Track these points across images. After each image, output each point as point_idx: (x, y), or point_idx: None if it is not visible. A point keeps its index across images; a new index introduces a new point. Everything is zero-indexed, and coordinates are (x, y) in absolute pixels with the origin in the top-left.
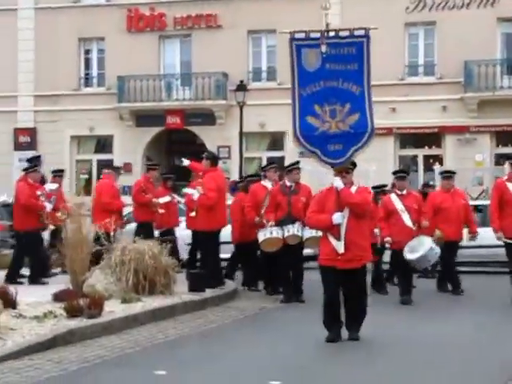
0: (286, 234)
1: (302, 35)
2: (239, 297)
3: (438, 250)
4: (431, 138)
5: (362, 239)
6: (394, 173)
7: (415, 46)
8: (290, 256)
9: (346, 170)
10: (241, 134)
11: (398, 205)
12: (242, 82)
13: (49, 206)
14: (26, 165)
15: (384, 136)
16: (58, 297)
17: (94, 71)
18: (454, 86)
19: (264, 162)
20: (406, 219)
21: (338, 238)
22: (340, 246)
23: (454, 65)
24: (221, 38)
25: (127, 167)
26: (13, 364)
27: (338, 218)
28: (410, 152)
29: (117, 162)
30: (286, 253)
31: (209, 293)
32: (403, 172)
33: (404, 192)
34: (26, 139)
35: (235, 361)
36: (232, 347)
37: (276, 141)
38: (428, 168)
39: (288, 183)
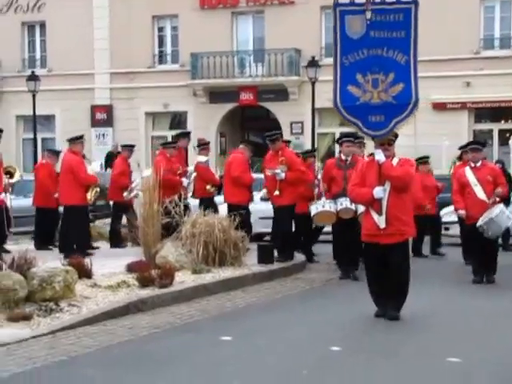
0: (339, 208)
1: (347, 1)
2: (308, 269)
3: (510, 214)
4: (507, 111)
5: (404, 213)
6: (462, 147)
7: (491, 18)
8: (345, 231)
9: (388, 142)
10: (313, 109)
11: (471, 177)
12: (313, 58)
13: (185, 182)
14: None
15: (458, 110)
16: (131, 268)
17: (168, 48)
18: None
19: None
20: (479, 192)
21: (380, 213)
22: (381, 221)
23: None
24: (293, 13)
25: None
26: (87, 329)
27: (378, 191)
28: (484, 126)
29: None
30: (342, 228)
31: (277, 265)
32: (478, 143)
33: (478, 164)
34: (102, 116)
35: (299, 328)
36: (296, 316)
37: None
38: (503, 142)
39: (343, 157)
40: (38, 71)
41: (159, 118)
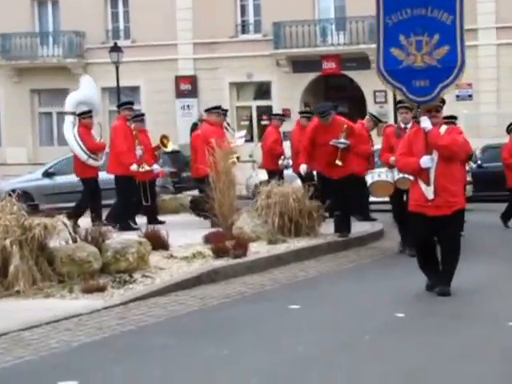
0: (397, 177)
1: None
2: (385, 237)
3: None
4: None
5: (453, 184)
6: None
7: None
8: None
9: (435, 108)
10: None
11: None
12: None
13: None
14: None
15: None
16: (208, 239)
17: (251, 18)
18: None
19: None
20: None
21: (428, 183)
22: (429, 192)
23: None
24: None
25: (286, 113)
26: (159, 300)
27: (426, 161)
28: None
29: (276, 109)
30: (400, 201)
31: (353, 234)
32: None
33: None
34: (186, 87)
35: (365, 296)
36: (364, 285)
37: None
38: None
39: (402, 124)
40: (122, 42)
41: (243, 89)
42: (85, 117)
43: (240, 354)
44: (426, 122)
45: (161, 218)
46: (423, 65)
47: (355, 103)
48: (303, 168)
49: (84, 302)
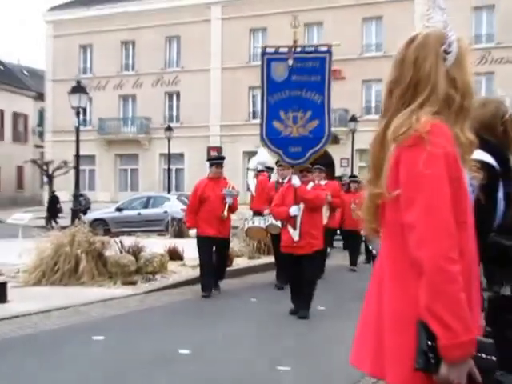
0: (267, 224)
1: (272, 50)
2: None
3: None
4: None
5: (315, 229)
6: None
7: None
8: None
9: (306, 169)
10: None
11: None
12: None
13: None
14: None
15: None
16: None
17: (258, 108)
18: None
19: None
20: None
21: (294, 228)
22: (295, 235)
23: None
24: None
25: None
26: (169, 291)
27: (294, 210)
28: None
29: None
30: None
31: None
32: None
33: None
34: (214, 153)
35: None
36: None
37: None
38: None
39: (280, 179)
40: (174, 124)
41: (253, 155)
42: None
43: (213, 324)
44: (295, 180)
45: (184, 239)
46: (298, 135)
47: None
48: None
49: (121, 290)
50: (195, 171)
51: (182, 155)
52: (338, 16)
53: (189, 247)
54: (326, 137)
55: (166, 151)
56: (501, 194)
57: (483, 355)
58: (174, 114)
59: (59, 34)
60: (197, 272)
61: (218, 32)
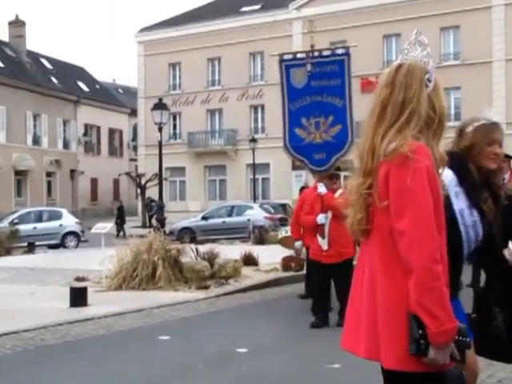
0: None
1: (290, 56)
2: None
3: None
4: None
5: (344, 237)
6: None
7: None
8: None
9: (331, 176)
10: None
11: None
12: None
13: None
14: None
15: None
16: (283, 260)
17: None
18: None
19: None
20: None
21: (323, 236)
22: (324, 243)
23: None
24: None
25: None
26: (238, 295)
27: (321, 218)
28: None
29: None
30: None
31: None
32: None
33: None
34: (298, 163)
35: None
36: None
37: None
38: None
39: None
40: (259, 135)
41: None
42: None
43: (273, 325)
44: (321, 188)
45: (265, 246)
46: (321, 141)
47: None
48: None
49: (194, 294)
50: (280, 180)
51: (267, 165)
52: (416, 26)
53: (266, 253)
54: (349, 141)
55: (251, 161)
56: None
57: (460, 337)
58: (260, 125)
59: (149, 53)
60: (267, 276)
61: (298, 47)
